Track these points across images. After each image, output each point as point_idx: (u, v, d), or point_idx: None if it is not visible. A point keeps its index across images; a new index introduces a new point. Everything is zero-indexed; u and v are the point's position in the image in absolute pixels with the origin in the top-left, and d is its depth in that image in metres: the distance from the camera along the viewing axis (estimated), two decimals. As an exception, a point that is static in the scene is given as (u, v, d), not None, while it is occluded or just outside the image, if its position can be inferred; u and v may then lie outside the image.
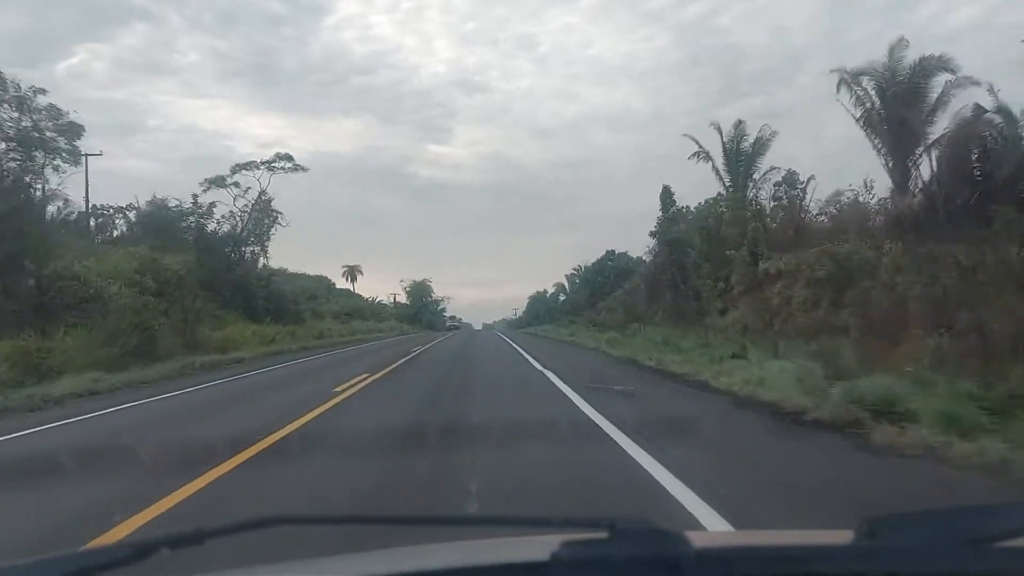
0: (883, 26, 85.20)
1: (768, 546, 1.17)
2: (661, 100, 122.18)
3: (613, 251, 59.22)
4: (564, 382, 12.55)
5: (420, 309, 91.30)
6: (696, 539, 1.01)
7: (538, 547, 1.02)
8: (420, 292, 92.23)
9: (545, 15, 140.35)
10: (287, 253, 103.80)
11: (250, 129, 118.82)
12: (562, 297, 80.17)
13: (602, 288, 54.78)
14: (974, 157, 18.24)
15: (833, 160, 62.65)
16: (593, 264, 61.22)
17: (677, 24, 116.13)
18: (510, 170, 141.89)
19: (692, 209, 36.31)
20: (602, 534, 0.98)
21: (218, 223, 37.27)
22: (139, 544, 1.06)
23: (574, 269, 72.31)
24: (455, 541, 1.37)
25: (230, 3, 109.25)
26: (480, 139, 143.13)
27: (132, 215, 40.62)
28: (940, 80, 22.21)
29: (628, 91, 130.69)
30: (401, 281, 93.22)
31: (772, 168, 29.60)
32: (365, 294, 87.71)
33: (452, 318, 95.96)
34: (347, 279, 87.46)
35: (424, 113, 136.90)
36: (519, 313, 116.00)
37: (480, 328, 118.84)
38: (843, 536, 1.04)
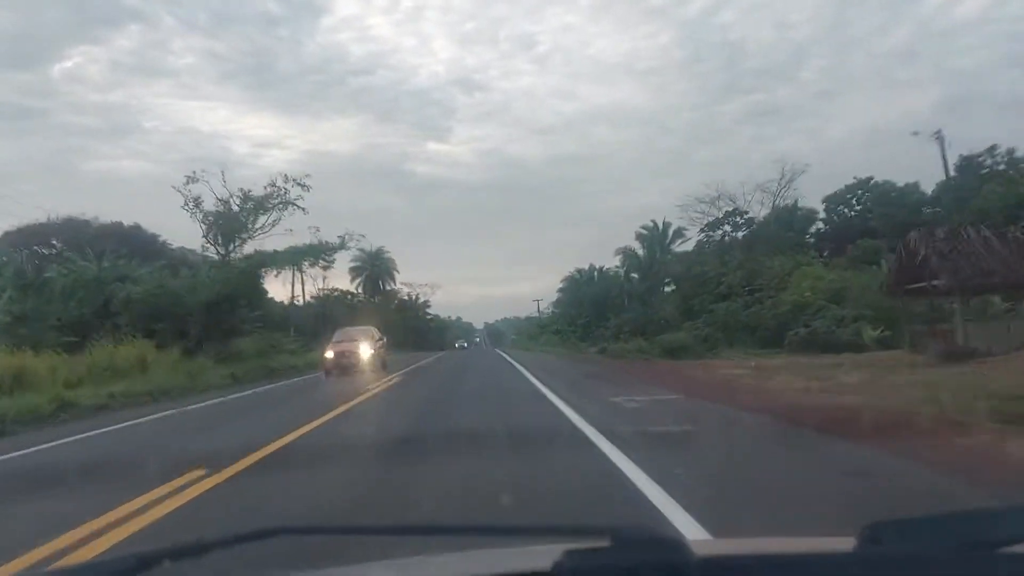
0: (887, 20, 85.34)
1: (771, 554, 1.17)
2: (663, 97, 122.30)
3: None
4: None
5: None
6: (698, 547, 1.02)
7: (540, 556, 1.02)
8: (373, 274, 54.84)
9: (545, 14, 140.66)
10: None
11: (247, 130, 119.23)
12: (632, 274, 50.01)
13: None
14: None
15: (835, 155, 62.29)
16: None
17: (679, 21, 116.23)
18: (510, 167, 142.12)
19: None
20: (604, 542, 0.98)
21: None
22: (140, 555, 1.07)
23: (645, 227, 47.78)
24: (457, 551, 1.38)
25: (224, 4, 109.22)
26: (480, 137, 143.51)
27: None
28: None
29: (629, 88, 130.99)
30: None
31: None
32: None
33: None
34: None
35: (423, 112, 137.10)
36: (546, 308, 76.09)
37: (480, 329, 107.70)
38: (846, 543, 1.04)
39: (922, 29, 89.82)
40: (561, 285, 62.62)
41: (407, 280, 64.74)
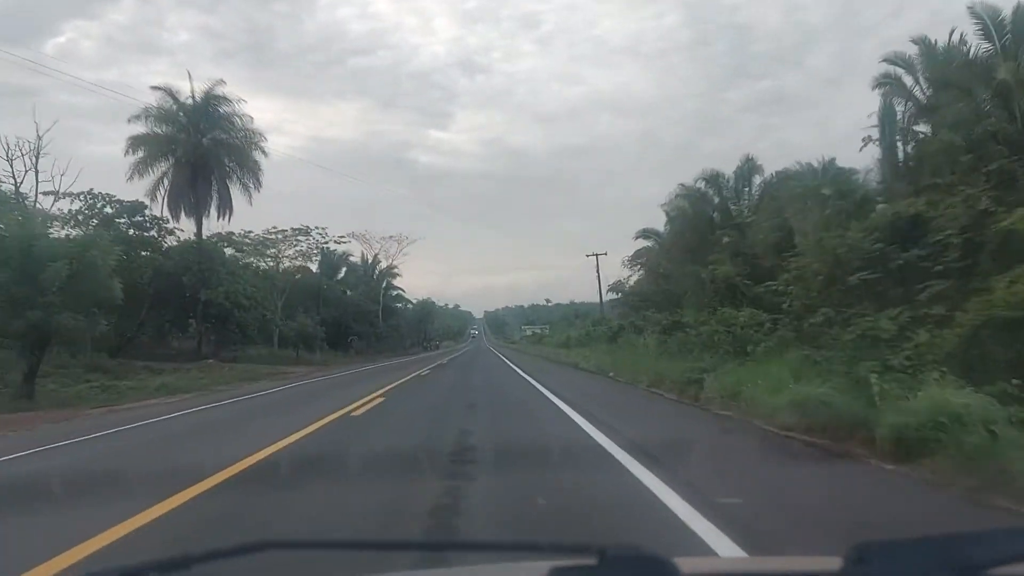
0: (902, 2, 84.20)
1: (757, 573, 1.17)
2: (668, 82, 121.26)
3: None
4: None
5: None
6: (685, 565, 1.01)
7: (527, 573, 1.02)
8: (193, 154, 24.73)
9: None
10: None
11: (247, 112, 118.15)
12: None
13: None
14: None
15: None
16: None
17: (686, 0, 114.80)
18: (512, 157, 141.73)
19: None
20: (591, 560, 0.98)
21: None
22: (125, 569, 1.07)
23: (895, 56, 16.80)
24: (446, 567, 1.38)
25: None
26: (481, 124, 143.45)
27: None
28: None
29: (634, 73, 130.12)
30: None
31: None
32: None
33: None
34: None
35: (424, 96, 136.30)
36: (612, 283, 43.01)
37: (480, 319, 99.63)
38: (832, 563, 1.03)
39: (940, 11, 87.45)
40: (639, 235, 32.18)
41: (361, 230, 38.19)
